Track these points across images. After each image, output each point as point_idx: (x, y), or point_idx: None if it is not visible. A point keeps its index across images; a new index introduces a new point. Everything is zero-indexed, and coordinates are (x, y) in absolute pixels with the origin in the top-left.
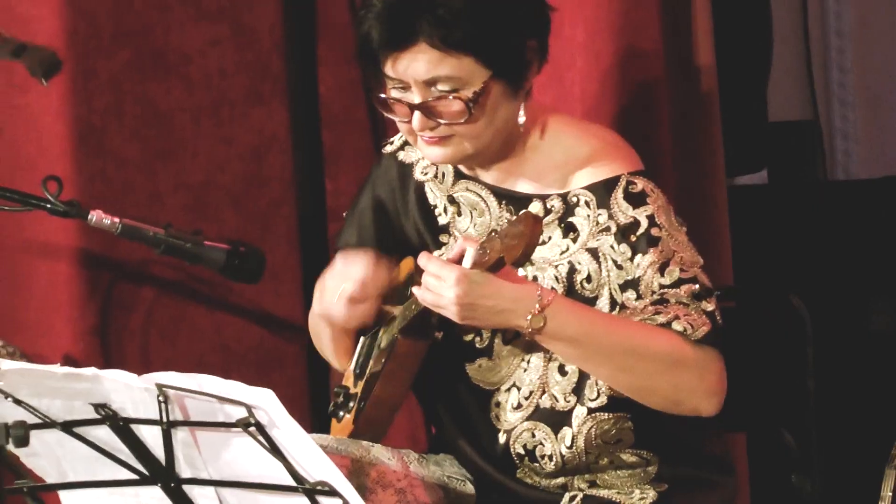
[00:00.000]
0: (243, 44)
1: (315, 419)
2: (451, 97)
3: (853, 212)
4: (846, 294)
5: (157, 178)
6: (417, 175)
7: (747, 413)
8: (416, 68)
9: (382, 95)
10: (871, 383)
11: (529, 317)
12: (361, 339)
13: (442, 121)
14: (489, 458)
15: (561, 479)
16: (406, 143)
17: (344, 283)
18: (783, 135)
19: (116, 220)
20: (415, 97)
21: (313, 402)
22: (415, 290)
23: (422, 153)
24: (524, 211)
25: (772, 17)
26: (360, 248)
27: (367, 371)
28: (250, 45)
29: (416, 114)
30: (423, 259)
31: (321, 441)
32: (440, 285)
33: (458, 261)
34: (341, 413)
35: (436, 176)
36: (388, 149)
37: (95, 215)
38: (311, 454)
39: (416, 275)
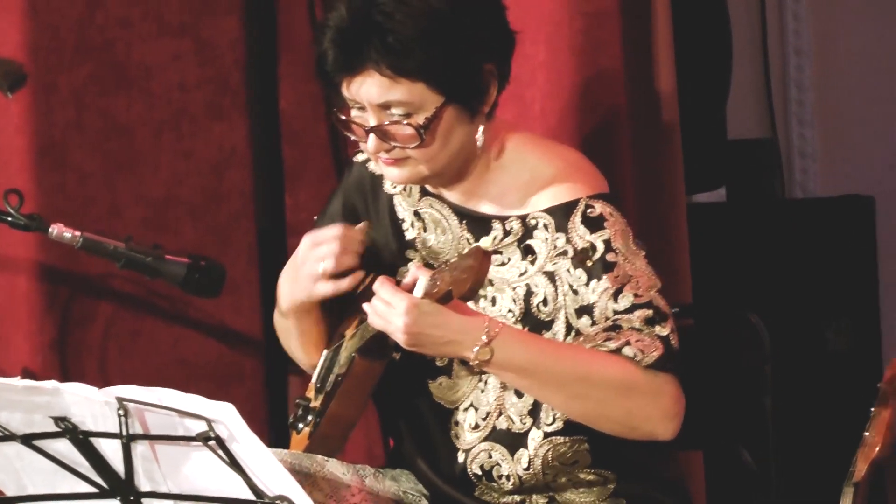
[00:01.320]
0: (204, 59)
1: (273, 433)
2: (403, 122)
3: (811, 230)
4: (804, 312)
5: (118, 191)
6: (387, 187)
7: (705, 431)
8: (368, 92)
9: (342, 116)
10: (829, 401)
11: (476, 349)
12: (324, 352)
13: (396, 144)
14: (446, 476)
15: (518, 497)
16: None
17: (327, 243)
18: (742, 153)
19: (77, 233)
20: (370, 119)
21: (272, 416)
22: (366, 306)
23: (384, 174)
24: (475, 245)
25: (731, 35)
26: None
27: (326, 386)
28: (211, 60)
29: (371, 136)
30: (377, 284)
31: (276, 455)
32: (389, 312)
33: (411, 289)
34: (300, 426)
35: (404, 189)
36: (360, 157)
37: (56, 229)
38: (270, 468)
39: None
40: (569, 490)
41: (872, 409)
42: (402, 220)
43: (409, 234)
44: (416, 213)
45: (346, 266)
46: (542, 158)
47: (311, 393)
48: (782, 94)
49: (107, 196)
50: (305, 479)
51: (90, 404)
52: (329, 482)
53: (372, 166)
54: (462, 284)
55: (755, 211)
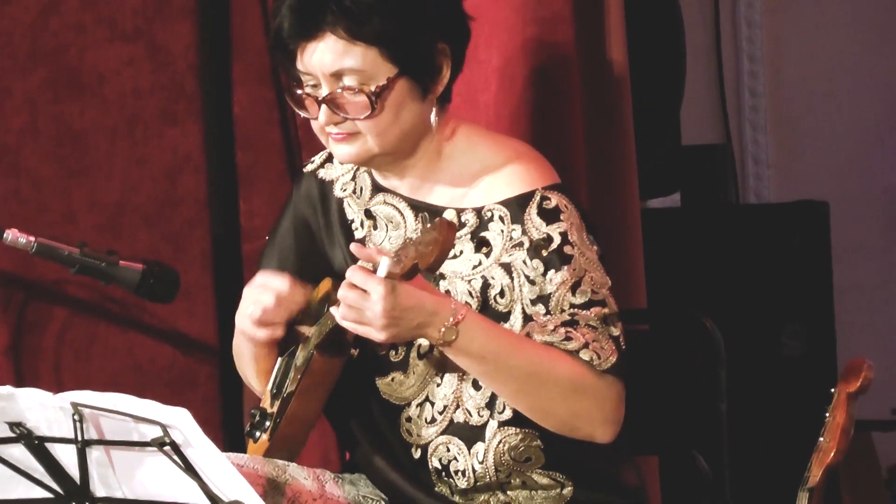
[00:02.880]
0: (158, 64)
1: (228, 439)
2: (356, 90)
3: (766, 235)
4: (759, 317)
5: (72, 197)
6: (337, 192)
7: (660, 437)
8: (321, 58)
9: (297, 91)
10: (784, 406)
11: (443, 329)
12: (279, 359)
13: (347, 115)
14: (404, 472)
15: (476, 500)
16: (326, 161)
17: (252, 305)
18: (696, 158)
19: (32, 238)
20: (323, 90)
21: (226, 421)
22: (333, 310)
23: (332, 153)
24: (439, 217)
25: (685, 41)
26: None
27: (284, 390)
28: (165, 65)
29: (323, 107)
30: (349, 272)
31: (236, 460)
32: (364, 300)
33: (373, 272)
34: (257, 433)
35: (354, 192)
36: (309, 167)
37: (11, 234)
38: (225, 474)
39: (332, 294)
40: (523, 492)
41: (827, 414)
42: (352, 221)
43: (359, 234)
44: (367, 212)
45: (274, 321)
46: (491, 148)
47: (265, 402)
48: (736, 99)
49: (61, 202)
50: (269, 483)
51: (45, 409)
52: (290, 486)
53: (322, 173)
54: (427, 257)
55: (709, 216)
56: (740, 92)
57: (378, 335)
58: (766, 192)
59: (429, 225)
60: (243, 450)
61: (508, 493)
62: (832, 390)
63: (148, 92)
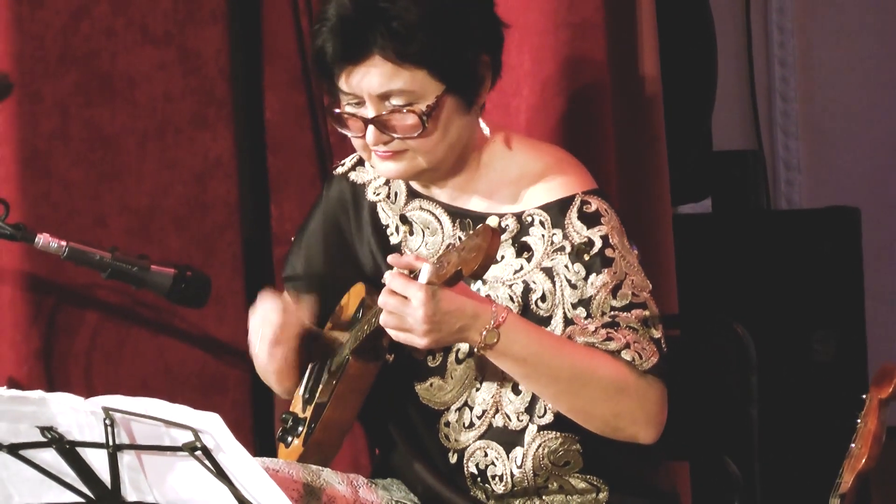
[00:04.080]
0: (189, 68)
1: (259, 443)
2: (404, 111)
3: (797, 241)
4: (790, 323)
5: (102, 201)
6: (370, 195)
7: (691, 441)
8: (369, 82)
9: (337, 110)
10: (815, 412)
11: (484, 332)
12: (310, 365)
13: (396, 135)
14: (442, 477)
15: (510, 502)
16: (357, 164)
17: (262, 326)
18: (727, 164)
19: (63, 243)
20: (369, 111)
21: (257, 426)
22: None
23: (376, 170)
24: (483, 223)
25: (716, 47)
26: (303, 279)
27: (317, 395)
28: (196, 69)
29: (370, 128)
30: (387, 277)
31: (272, 465)
32: (405, 306)
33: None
34: (289, 438)
35: (388, 196)
36: (340, 170)
37: (42, 238)
38: (257, 479)
39: (367, 299)
40: (559, 499)
41: (859, 420)
42: (386, 227)
43: (394, 240)
44: (403, 218)
45: (287, 337)
46: (529, 154)
47: (296, 406)
48: (767, 105)
49: (92, 206)
50: (305, 488)
51: (76, 414)
52: (325, 492)
53: (353, 176)
54: (471, 263)
55: (740, 222)
56: (772, 98)
57: (420, 341)
58: (798, 198)
59: (472, 231)
60: (274, 454)
61: (544, 497)
62: (863, 396)
63: (179, 96)
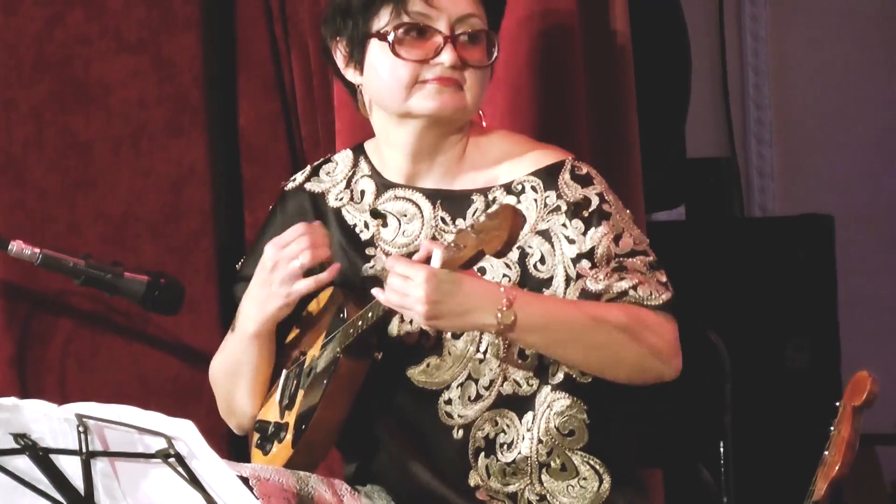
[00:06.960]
0: (163, 76)
1: (233, 450)
2: (480, 37)
3: (770, 248)
4: (764, 330)
5: (77, 208)
6: (332, 202)
7: (665, 449)
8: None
9: (400, 31)
10: (788, 419)
11: (499, 314)
12: (284, 371)
13: (470, 61)
14: (439, 466)
15: (511, 487)
16: (312, 175)
17: (286, 263)
18: (701, 171)
19: (37, 250)
20: (444, 31)
21: (231, 433)
22: (375, 291)
23: (417, 105)
24: (502, 203)
25: (690, 54)
26: None
27: (299, 398)
28: (170, 77)
29: (449, 48)
30: (391, 260)
31: (263, 473)
32: (407, 285)
33: (426, 262)
34: (268, 446)
35: (352, 199)
36: (292, 185)
37: (16, 245)
38: (230, 486)
39: (345, 301)
40: (559, 487)
41: (832, 428)
42: (355, 226)
43: (365, 235)
44: (375, 212)
45: (321, 259)
46: (514, 139)
47: (269, 414)
48: (741, 113)
49: (66, 213)
50: (296, 497)
51: (49, 421)
52: (313, 500)
53: (310, 186)
54: (493, 242)
55: (714, 229)
56: (745, 105)
57: (422, 320)
58: (771, 206)
59: (490, 211)
60: (248, 462)
61: (544, 481)
62: (837, 404)
63: (153, 103)
